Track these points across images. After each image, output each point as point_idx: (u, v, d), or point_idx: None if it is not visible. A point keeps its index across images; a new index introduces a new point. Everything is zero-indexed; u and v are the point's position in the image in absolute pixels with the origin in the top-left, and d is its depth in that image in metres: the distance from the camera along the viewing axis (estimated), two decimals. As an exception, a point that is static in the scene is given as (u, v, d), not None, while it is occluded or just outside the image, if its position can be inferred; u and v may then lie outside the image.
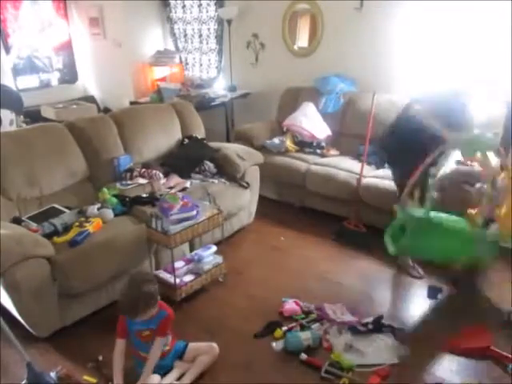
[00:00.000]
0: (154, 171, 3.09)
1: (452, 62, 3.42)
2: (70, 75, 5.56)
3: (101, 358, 2.18)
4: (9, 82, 4.92)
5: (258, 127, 4.04)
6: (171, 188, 2.99)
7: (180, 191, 2.92)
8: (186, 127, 3.58)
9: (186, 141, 3.49)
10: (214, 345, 2.16)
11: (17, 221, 2.49)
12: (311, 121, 3.85)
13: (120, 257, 2.48)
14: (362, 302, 2.59)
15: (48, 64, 5.30)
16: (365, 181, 3.27)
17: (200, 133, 3.66)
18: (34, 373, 1.94)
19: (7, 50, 4.87)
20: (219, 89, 4.91)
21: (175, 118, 3.53)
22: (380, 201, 3.15)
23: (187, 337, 2.25)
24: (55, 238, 2.37)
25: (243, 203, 3.30)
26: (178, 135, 3.52)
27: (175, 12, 5.10)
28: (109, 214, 2.60)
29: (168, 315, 2.02)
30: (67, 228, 2.46)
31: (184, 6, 5.00)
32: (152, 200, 2.75)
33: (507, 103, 3.20)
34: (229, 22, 4.46)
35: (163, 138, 3.40)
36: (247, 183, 3.32)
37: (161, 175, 3.11)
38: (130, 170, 3.06)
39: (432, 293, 2.62)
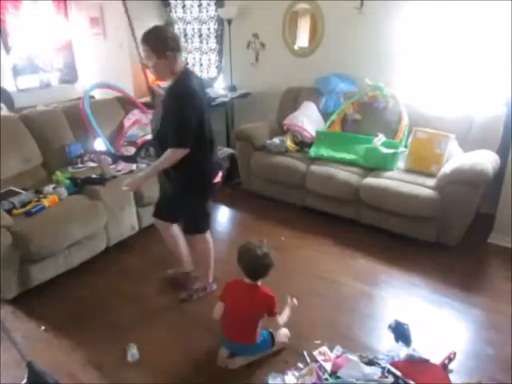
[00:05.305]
0: (103, 156, 3.46)
1: (452, 61, 3.43)
2: (70, 75, 5.55)
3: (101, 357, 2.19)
4: (9, 81, 4.92)
5: (258, 127, 4.04)
6: (119, 171, 3.35)
7: (127, 174, 3.29)
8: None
9: None
10: (287, 331, 2.28)
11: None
12: (312, 120, 3.85)
13: (75, 228, 2.79)
14: (361, 302, 2.60)
15: (48, 64, 5.29)
16: (365, 181, 3.27)
17: None
18: (34, 372, 1.94)
19: (7, 49, 4.87)
20: (219, 89, 4.90)
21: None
22: (379, 201, 3.16)
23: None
24: (14, 211, 2.73)
25: None
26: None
27: (175, 12, 5.10)
28: (63, 192, 3.00)
29: None
30: (25, 205, 2.80)
31: (184, 6, 4.99)
32: (102, 180, 3.14)
33: (507, 103, 3.21)
34: (229, 21, 4.46)
35: (106, 129, 3.78)
36: None
37: (109, 160, 3.47)
38: (81, 156, 3.47)
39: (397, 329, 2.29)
